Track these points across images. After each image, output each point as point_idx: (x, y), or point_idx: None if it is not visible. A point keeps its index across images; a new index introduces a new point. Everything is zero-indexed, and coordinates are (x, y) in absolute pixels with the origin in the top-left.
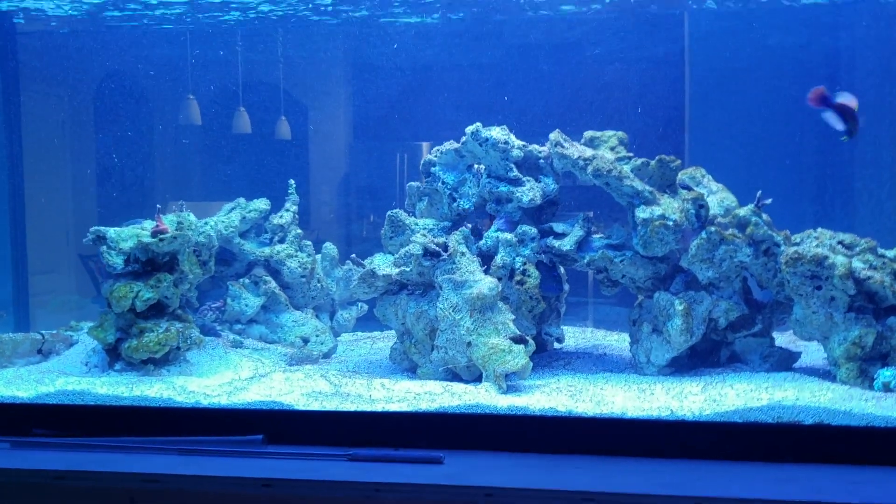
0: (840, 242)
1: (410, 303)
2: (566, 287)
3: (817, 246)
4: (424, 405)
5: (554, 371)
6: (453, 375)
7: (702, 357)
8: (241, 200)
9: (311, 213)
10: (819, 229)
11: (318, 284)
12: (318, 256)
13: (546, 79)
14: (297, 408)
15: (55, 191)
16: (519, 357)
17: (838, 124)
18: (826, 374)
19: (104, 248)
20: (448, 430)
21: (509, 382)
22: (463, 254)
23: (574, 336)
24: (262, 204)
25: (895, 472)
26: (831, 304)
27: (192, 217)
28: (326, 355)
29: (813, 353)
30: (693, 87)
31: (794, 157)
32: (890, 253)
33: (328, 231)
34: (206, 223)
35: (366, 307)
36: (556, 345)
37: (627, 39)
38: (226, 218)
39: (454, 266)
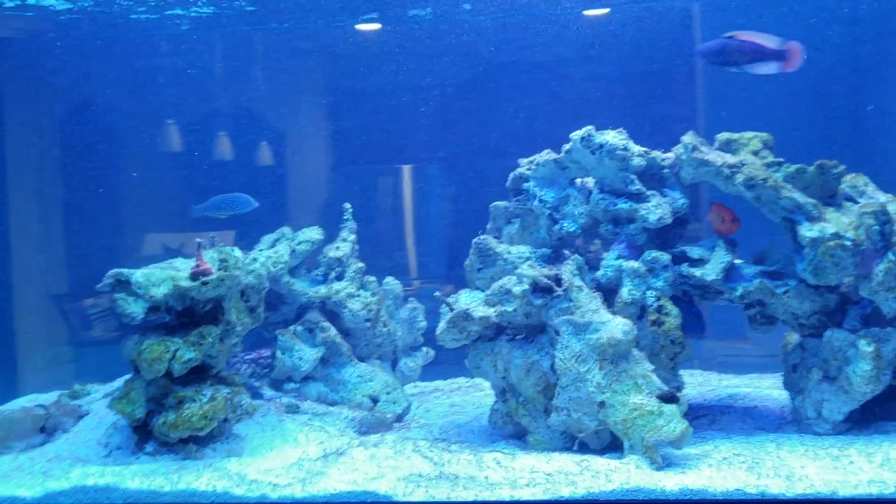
0: None
1: (515, 352)
2: None
3: None
4: (566, 491)
5: (701, 433)
6: (573, 442)
7: (877, 407)
8: (287, 230)
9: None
10: None
11: (385, 329)
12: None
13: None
14: (397, 500)
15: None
16: (674, 421)
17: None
18: None
19: (121, 295)
20: None
21: (661, 453)
22: (580, 288)
23: (689, 382)
24: (314, 234)
25: None
26: None
27: (238, 252)
28: (400, 417)
29: None
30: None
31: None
32: None
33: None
34: (254, 259)
35: (432, 353)
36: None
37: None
38: (272, 252)
39: (572, 304)
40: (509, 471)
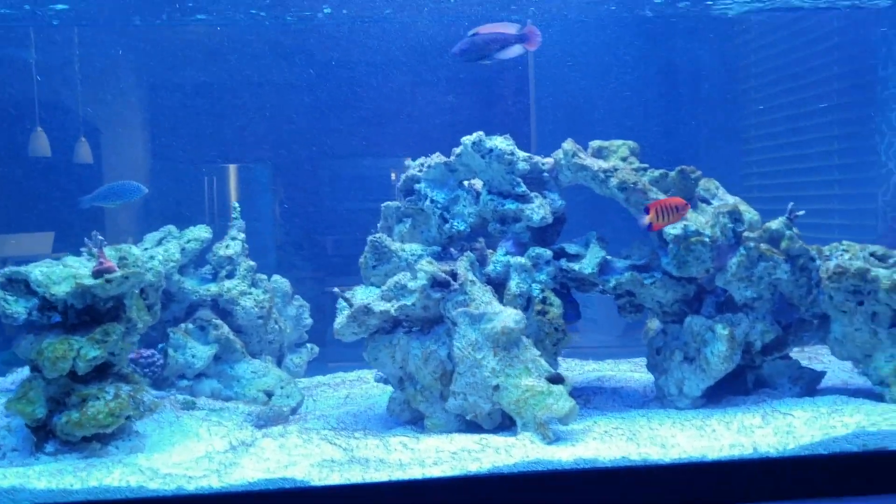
0: (872, 254)
1: (413, 342)
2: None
3: (850, 259)
4: (473, 466)
5: (579, 411)
6: (468, 425)
7: (726, 384)
8: (172, 228)
9: None
10: (846, 241)
11: (276, 326)
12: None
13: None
14: (314, 483)
15: None
16: (562, 400)
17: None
18: (870, 394)
19: (1, 294)
20: (511, 494)
21: (550, 429)
22: (474, 282)
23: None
24: (203, 232)
25: None
26: (875, 320)
27: (136, 250)
28: (294, 410)
29: (831, 372)
30: (539, 102)
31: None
32: None
33: None
34: (151, 257)
35: (317, 349)
36: None
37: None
38: (163, 250)
39: (467, 297)
40: (415, 452)
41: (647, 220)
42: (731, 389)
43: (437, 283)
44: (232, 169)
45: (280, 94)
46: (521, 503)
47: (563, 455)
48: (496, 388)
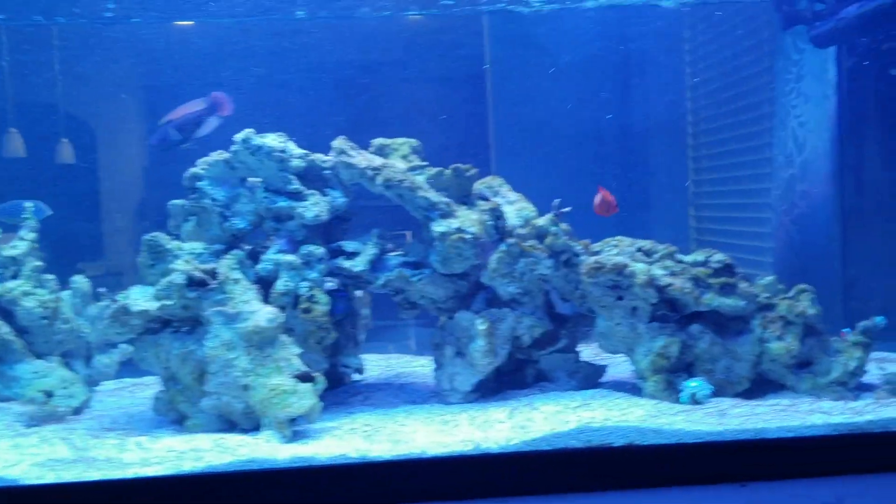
0: (640, 249)
1: (174, 342)
2: (366, 311)
3: (617, 254)
4: (188, 465)
5: (350, 409)
6: (230, 425)
7: (508, 378)
8: None
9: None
10: (618, 237)
11: (66, 326)
12: (67, 293)
13: (342, 88)
14: (25, 483)
15: None
16: (305, 398)
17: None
18: (633, 388)
19: None
20: (218, 493)
21: (296, 428)
22: (236, 281)
23: (377, 365)
24: None
25: (709, 492)
26: (634, 315)
27: None
28: (78, 410)
29: (619, 364)
30: (496, 93)
31: (597, 163)
32: (688, 258)
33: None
34: None
35: (130, 348)
36: (356, 376)
37: (428, 46)
38: None
39: (226, 296)
40: (147, 451)
41: (597, 199)
42: (512, 383)
43: (194, 282)
44: None
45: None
46: (225, 501)
47: (282, 453)
48: (246, 387)
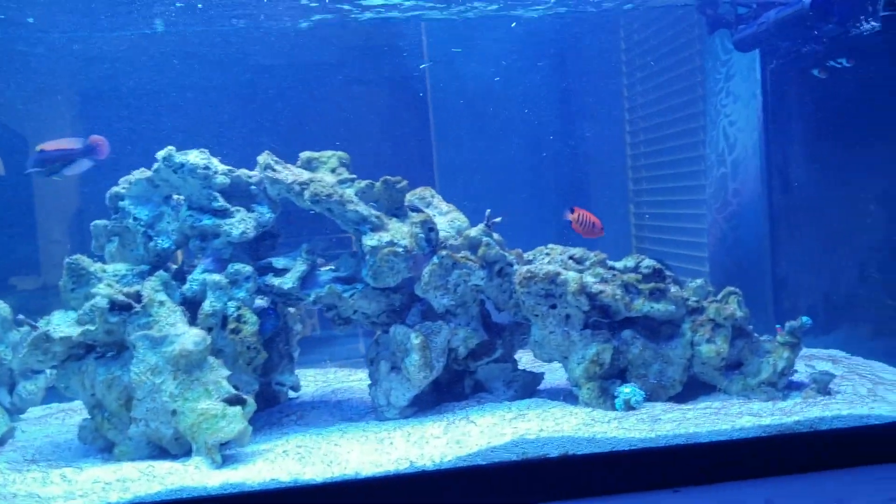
0: (571, 257)
1: (99, 368)
2: (298, 327)
3: (549, 262)
4: (115, 497)
5: (284, 429)
6: (161, 451)
7: (445, 390)
8: None
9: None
10: (550, 245)
11: None
12: None
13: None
14: None
15: None
16: (234, 422)
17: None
18: (569, 396)
19: None
20: None
21: (227, 452)
22: (162, 303)
23: (314, 381)
24: None
25: (643, 499)
26: (567, 323)
27: None
28: (2, 440)
29: (556, 371)
30: (436, 104)
31: (537, 172)
32: (619, 264)
33: None
34: None
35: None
36: (292, 394)
37: (366, 56)
38: None
39: (151, 319)
40: (72, 483)
41: (569, 216)
42: (451, 394)
43: (117, 306)
44: None
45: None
46: None
47: (213, 480)
48: (174, 412)
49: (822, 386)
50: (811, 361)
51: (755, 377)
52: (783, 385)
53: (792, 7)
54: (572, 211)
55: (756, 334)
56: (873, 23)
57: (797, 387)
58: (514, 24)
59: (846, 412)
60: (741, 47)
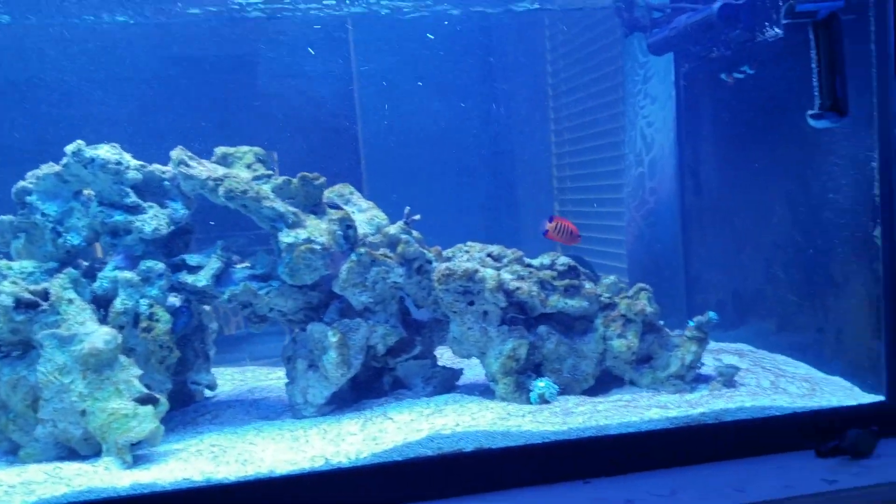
0: (489, 255)
1: (3, 368)
2: (214, 325)
3: (468, 260)
4: (19, 500)
5: (198, 428)
6: (70, 452)
7: (364, 387)
8: None
9: None
10: (469, 242)
11: None
12: None
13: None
14: None
15: None
16: (146, 422)
17: None
18: (486, 391)
19: None
20: None
21: (138, 452)
22: (70, 301)
23: (232, 379)
24: None
25: (555, 490)
26: (485, 319)
27: None
28: None
29: (475, 367)
30: (363, 100)
31: (463, 165)
32: (535, 262)
33: None
34: None
35: None
36: (208, 393)
37: (294, 50)
38: None
39: (59, 317)
40: None
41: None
42: (370, 392)
43: (22, 304)
44: None
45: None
46: None
47: (123, 481)
48: (83, 412)
49: (728, 379)
50: (719, 355)
51: (664, 370)
52: (691, 378)
53: (701, 13)
54: (551, 220)
55: (668, 329)
56: (777, 30)
57: (704, 380)
58: (430, 35)
59: (749, 404)
60: (654, 50)
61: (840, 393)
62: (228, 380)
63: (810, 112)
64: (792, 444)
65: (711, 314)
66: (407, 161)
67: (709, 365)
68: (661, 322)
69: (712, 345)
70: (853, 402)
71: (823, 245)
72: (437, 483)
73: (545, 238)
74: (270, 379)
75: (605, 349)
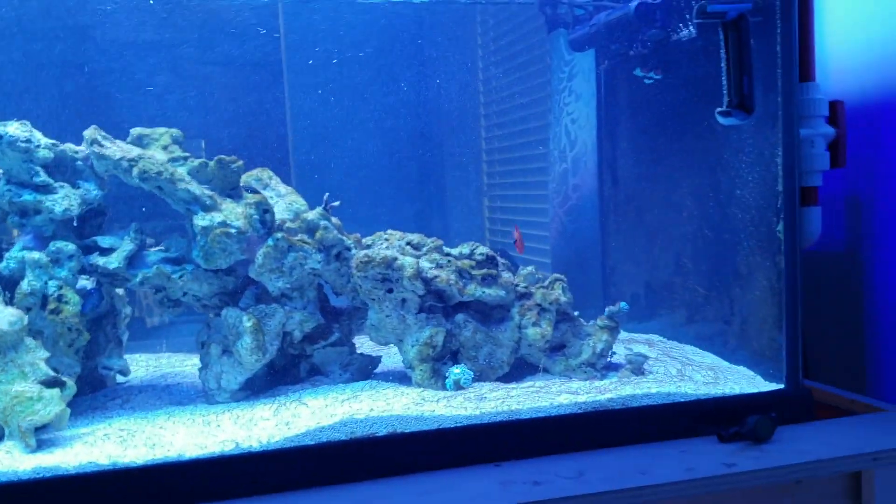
0: (409, 243)
1: None
2: (127, 310)
3: (387, 248)
4: None
5: (108, 413)
6: None
7: (281, 374)
8: None
9: None
10: (389, 230)
11: None
12: None
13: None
14: None
15: None
16: (51, 405)
17: None
18: (403, 378)
19: None
20: None
21: (43, 436)
22: None
23: (146, 365)
24: None
25: (466, 472)
26: (404, 307)
27: None
28: None
29: (394, 355)
30: (292, 85)
31: (392, 157)
32: (455, 251)
33: None
34: None
35: None
36: (121, 378)
37: (219, 34)
38: None
39: None
40: None
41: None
42: (285, 378)
43: None
44: None
45: None
46: None
47: (25, 465)
48: None
49: (637, 367)
50: (630, 345)
51: (576, 358)
52: (602, 366)
53: (619, 11)
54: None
55: (582, 319)
56: (691, 29)
57: (615, 368)
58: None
59: (655, 390)
60: (575, 47)
61: (743, 381)
62: (143, 366)
63: (719, 109)
64: (696, 430)
65: (623, 304)
66: (336, 152)
67: (620, 354)
68: (576, 312)
69: (625, 335)
70: (755, 390)
71: (730, 239)
72: (350, 467)
73: (514, 246)
74: (185, 365)
75: (520, 337)
